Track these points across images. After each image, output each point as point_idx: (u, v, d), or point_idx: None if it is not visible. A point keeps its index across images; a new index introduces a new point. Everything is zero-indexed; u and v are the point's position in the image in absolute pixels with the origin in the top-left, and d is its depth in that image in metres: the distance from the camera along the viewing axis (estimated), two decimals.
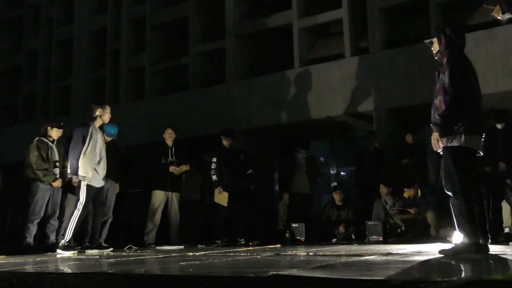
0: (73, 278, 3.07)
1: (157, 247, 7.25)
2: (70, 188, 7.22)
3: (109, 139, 7.10)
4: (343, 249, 5.54)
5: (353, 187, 9.60)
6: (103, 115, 6.60)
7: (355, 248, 5.75)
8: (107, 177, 6.73)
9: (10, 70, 16.14)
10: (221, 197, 7.97)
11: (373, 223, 7.58)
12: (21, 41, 15.83)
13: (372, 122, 9.41)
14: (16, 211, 12.88)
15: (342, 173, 11.68)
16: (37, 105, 14.74)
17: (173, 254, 5.30)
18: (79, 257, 5.35)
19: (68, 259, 4.99)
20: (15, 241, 7.61)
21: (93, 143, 6.35)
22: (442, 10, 9.18)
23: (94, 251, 6.44)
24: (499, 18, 4.26)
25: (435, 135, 3.98)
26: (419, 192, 7.91)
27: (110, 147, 6.95)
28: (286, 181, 9.41)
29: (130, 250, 6.82)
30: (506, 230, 6.93)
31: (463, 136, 3.89)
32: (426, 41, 4.31)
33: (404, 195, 8.03)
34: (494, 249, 4.49)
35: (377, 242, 7.12)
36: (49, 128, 6.98)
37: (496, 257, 3.82)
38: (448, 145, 3.94)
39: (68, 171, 6.42)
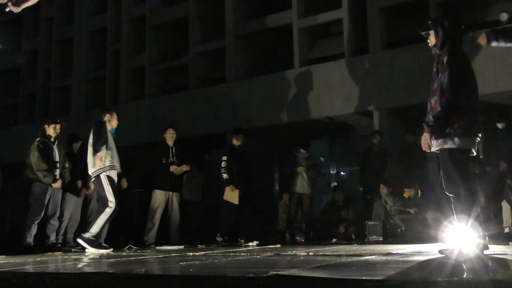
0: (73, 278, 3.06)
1: (157, 247, 7.25)
2: (70, 188, 7.24)
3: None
4: (343, 249, 5.54)
5: (354, 187, 9.60)
6: (111, 120, 6.74)
7: (355, 248, 5.75)
8: None
9: (10, 70, 16.14)
10: (233, 195, 7.95)
11: (373, 223, 7.58)
12: (21, 41, 15.84)
13: (372, 122, 9.41)
14: (16, 211, 12.87)
15: (342, 173, 11.68)
16: (37, 105, 14.73)
17: (173, 254, 5.30)
18: (79, 257, 5.35)
19: (68, 259, 4.99)
20: (15, 241, 7.61)
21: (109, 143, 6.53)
22: (443, 10, 9.18)
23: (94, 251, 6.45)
24: (484, 45, 4.24)
25: (426, 136, 3.92)
26: (419, 192, 7.91)
27: None
28: (286, 181, 9.40)
29: (130, 250, 6.82)
30: (506, 230, 6.93)
31: (456, 139, 3.82)
32: (423, 32, 4.21)
33: (404, 195, 8.04)
34: (494, 249, 4.49)
35: (377, 242, 7.13)
36: (46, 127, 6.99)
37: (496, 257, 3.82)
38: (444, 147, 3.89)
39: (92, 170, 6.46)
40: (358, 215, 8.60)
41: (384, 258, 3.95)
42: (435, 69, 4.04)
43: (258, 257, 4.48)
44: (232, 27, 11.37)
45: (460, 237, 3.86)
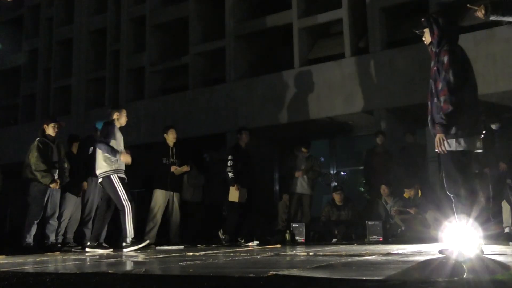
0: (73, 278, 3.07)
1: (157, 247, 7.25)
2: (70, 188, 7.23)
3: None
4: (343, 249, 5.54)
5: (354, 187, 9.59)
6: (120, 118, 6.74)
7: (355, 248, 5.75)
8: None
9: (10, 70, 16.13)
10: (237, 194, 7.94)
11: (373, 223, 7.58)
12: (21, 41, 15.84)
13: (372, 122, 9.41)
14: (16, 211, 12.88)
15: (342, 173, 11.67)
16: (37, 105, 14.73)
17: (173, 254, 5.30)
18: (79, 257, 5.35)
19: (68, 259, 4.99)
20: (15, 241, 7.60)
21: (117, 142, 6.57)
22: (437, 7, 9.17)
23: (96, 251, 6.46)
24: (483, 17, 4.03)
25: (440, 136, 3.84)
26: (419, 192, 7.91)
27: None
28: (286, 181, 9.40)
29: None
30: (506, 230, 6.93)
31: (462, 140, 3.80)
32: (417, 30, 4.15)
33: (404, 195, 8.04)
34: (494, 249, 4.49)
35: (377, 242, 7.12)
36: (45, 126, 6.99)
37: (496, 257, 3.82)
38: (449, 149, 3.85)
39: (100, 171, 6.49)
40: (358, 215, 8.60)
41: (384, 258, 3.95)
42: (435, 68, 4.00)
43: (258, 257, 4.48)
44: (232, 27, 11.37)
45: (460, 237, 3.86)
